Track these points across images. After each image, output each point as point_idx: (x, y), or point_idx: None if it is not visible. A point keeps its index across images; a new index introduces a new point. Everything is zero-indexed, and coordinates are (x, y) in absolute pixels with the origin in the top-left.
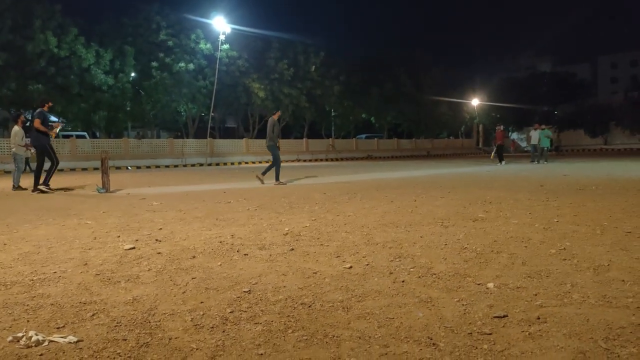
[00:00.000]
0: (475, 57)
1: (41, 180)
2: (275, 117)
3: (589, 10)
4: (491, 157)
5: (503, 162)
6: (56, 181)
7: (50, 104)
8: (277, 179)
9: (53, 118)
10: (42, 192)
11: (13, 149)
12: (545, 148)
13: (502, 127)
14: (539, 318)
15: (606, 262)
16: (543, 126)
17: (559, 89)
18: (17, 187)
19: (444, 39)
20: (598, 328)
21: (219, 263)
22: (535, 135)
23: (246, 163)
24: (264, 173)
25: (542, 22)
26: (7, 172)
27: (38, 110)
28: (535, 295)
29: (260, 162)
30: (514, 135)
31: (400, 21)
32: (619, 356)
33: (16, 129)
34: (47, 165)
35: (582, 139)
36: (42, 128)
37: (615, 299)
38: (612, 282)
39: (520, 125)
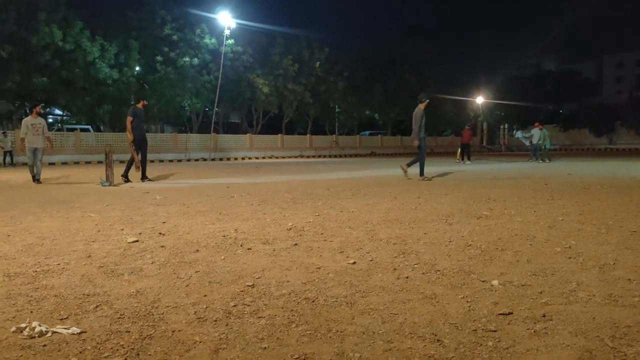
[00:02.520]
0: (480, 54)
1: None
2: (422, 106)
3: (595, 8)
4: (457, 158)
5: (467, 162)
6: (60, 173)
7: (145, 102)
8: (421, 173)
9: (57, 111)
10: (127, 182)
11: (35, 145)
12: (545, 147)
13: (469, 127)
14: (544, 316)
15: (612, 261)
16: (540, 126)
17: (563, 88)
18: (38, 179)
19: (448, 36)
20: (604, 326)
21: (223, 257)
22: (536, 134)
23: (249, 158)
24: (409, 165)
25: (548, 20)
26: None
27: (131, 106)
28: (541, 293)
29: (263, 158)
30: (519, 134)
31: (404, 17)
32: (625, 355)
33: (39, 119)
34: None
35: (587, 138)
36: (128, 127)
37: (621, 297)
38: (618, 280)
39: (525, 123)
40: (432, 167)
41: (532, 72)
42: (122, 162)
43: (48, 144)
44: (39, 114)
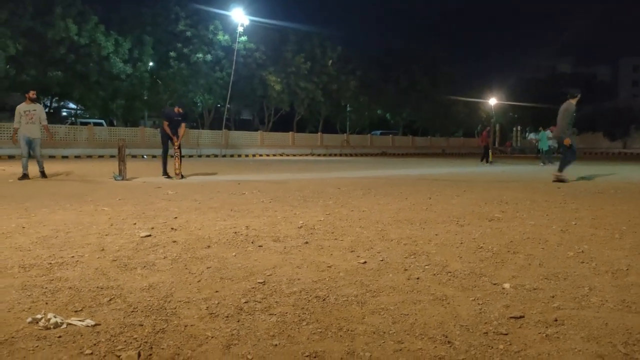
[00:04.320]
0: (494, 56)
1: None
2: (574, 101)
3: (612, 11)
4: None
5: (488, 162)
6: (73, 167)
7: (178, 108)
8: (560, 169)
9: (72, 105)
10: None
11: (29, 135)
12: (545, 150)
13: (487, 129)
14: (556, 320)
15: (625, 266)
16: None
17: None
18: (42, 172)
19: (462, 37)
20: (617, 332)
21: (234, 253)
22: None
23: (260, 155)
24: (560, 169)
25: (563, 22)
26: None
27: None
28: (553, 297)
29: (274, 155)
30: (532, 136)
31: (418, 18)
32: None
33: (34, 105)
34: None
35: (601, 142)
36: (167, 130)
37: (634, 304)
38: (631, 286)
39: (538, 126)
40: (467, 168)
41: (546, 74)
42: (134, 156)
43: (47, 134)
44: (34, 100)
